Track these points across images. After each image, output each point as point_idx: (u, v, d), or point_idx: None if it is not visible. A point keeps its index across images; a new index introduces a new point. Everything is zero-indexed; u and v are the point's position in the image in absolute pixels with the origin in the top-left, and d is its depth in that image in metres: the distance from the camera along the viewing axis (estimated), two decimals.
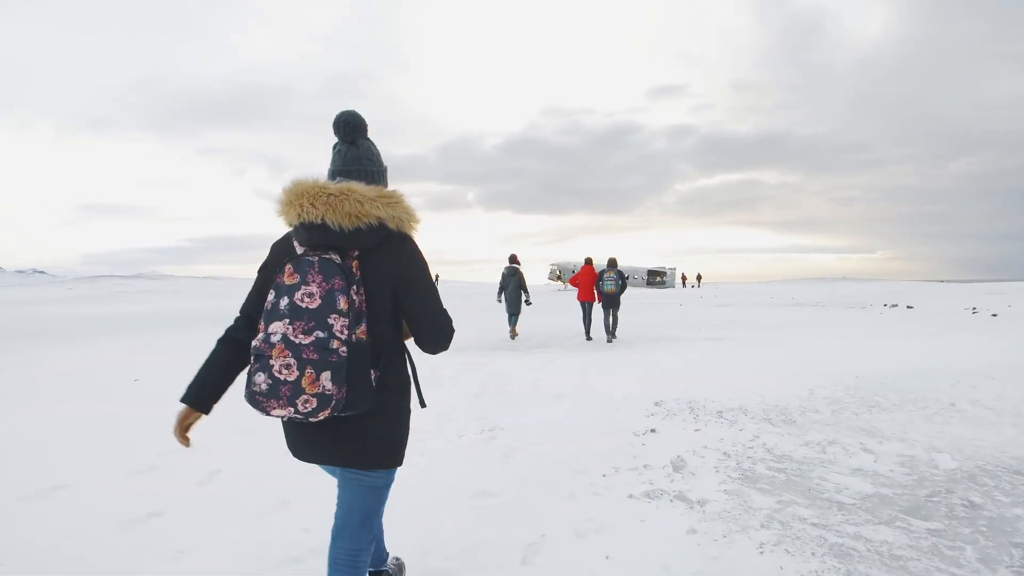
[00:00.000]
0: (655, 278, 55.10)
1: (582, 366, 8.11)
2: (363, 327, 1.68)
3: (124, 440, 4.43)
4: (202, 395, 1.80)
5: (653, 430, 4.69)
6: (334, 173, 1.84)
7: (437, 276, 59.32)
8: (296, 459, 1.86)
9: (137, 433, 4.56)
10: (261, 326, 1.66)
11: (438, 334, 1.83)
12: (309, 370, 1.58)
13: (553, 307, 21.02)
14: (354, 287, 1.67)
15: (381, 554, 2.30)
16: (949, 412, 5.22)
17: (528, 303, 12.04)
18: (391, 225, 1.76)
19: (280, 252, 1.84)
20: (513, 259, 12.15)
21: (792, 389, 6.28)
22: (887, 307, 21.93)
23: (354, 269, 1.70)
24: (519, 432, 4.65)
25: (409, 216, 1.81)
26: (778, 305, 24.45)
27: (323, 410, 1.60)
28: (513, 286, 11.80)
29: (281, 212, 1.77)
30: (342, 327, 1.61)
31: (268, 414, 1.62)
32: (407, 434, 1.88)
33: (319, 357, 1.58)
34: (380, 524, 2.23)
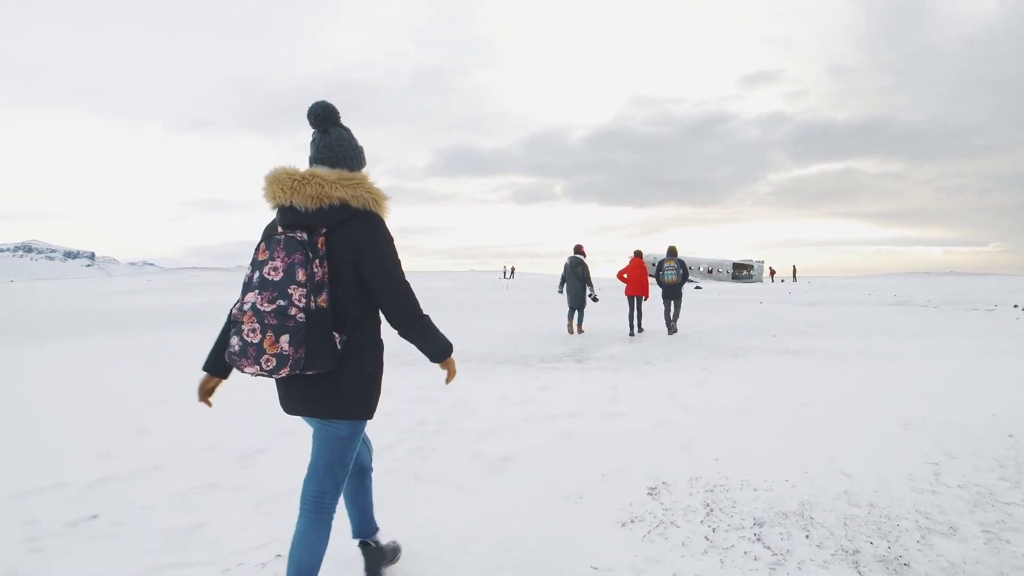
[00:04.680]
0: (741, 271, 51.05)
1: (586, 398, 5.68)
2: (324, 296, 1.87)
3: None
4: (219, 363, 2.05)
5: None
6: (311, 160, 2.04)
7: (513, 268, 57.60)
8: (286, 414, 2.06)
9: None
10: (240, 296, 1.86)
11: (394, 302, 1.96)
12: (270, 334, 1.77)
13: (613, 305, 18.40)
14: (316, 261, 1.86)
15: (369, 525, 2.32)
16: None
17: (594, 299, 11.44)
18: (355, 204, 1.94)
19: (265, 233, 2.02)
20: (578, 249, 11.44)
21: (900, 462, 3.72)
22: (1020, 309, 17.70)
23: (320, 245, 1.89)
24: (332, 571, 2.42)
25: (373, 195, 1.98)
26: (878, 304, 20.54)
27: (282, 368, 1.78)
28: (576, 278, 11.13)
29: (264, 196, 1.97)
30: (300, 296, 1.80)
31: (242, 371, 1.84)
32: (374, 390, 2.02)
33: (278, 322, 1.76)
34: (370, 496, 2.33)
